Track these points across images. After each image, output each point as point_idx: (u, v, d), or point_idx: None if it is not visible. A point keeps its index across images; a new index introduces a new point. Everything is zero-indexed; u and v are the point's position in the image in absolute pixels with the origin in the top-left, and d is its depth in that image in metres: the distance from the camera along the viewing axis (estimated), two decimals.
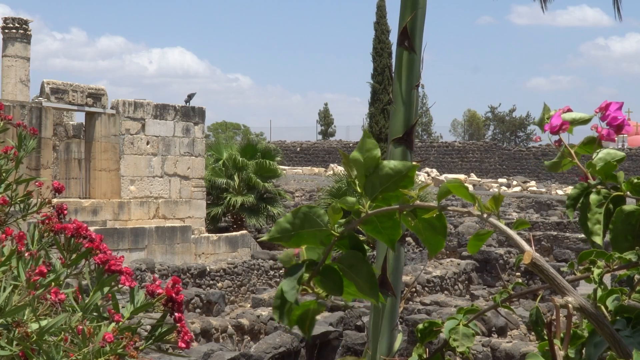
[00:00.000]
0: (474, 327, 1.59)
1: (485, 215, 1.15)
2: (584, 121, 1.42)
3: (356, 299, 1.27)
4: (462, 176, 45.89)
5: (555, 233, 24.57)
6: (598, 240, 1.32)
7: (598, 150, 1.40)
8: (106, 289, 1.49)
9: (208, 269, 18.11)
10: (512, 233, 1.14)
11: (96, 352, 1.35)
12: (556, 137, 1.42)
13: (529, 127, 72.02)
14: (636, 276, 1.45)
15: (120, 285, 1.54)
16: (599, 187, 1.35)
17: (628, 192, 1.34)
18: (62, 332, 1.37)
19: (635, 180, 1.33)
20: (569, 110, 1.45)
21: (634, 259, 1.32)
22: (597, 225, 1.32)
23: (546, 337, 1.58)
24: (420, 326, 1.66)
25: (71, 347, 1.36)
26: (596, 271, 1.39)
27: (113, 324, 1.44)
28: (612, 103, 1.41)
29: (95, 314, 1.47)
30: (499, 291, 1.62)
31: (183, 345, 1.53)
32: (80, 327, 1.38)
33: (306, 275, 1.20)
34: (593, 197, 1.32)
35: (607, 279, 1.49)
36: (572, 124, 1.43)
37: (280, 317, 1.21)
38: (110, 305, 1.51)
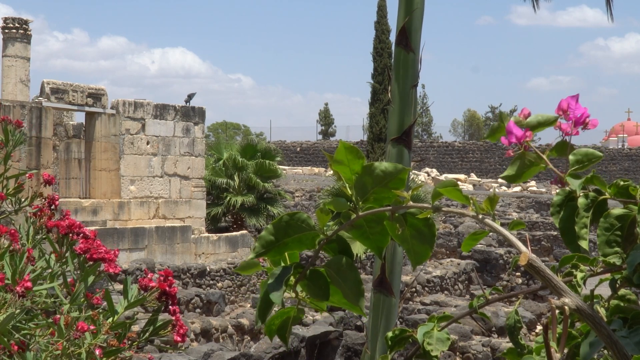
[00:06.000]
0: (447, 334, 1.56)
1: (480, 217, 1.14)
2: (551, 122, 1.38)
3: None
4: (462, 176, 45.82)
5: (556, 233, 24.50)
6: (584, 244, 1.30)
7: (573, 152, 1.36)
8: (91, 278, 1.48)
9: (208, 269, 18.10)
10: (508, 234, 1.14)
11: (73, 342, 1.33)
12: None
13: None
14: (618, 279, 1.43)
15: (109, 276, 1.52)
16: (583, 191, 1.33)
17: (614, 196, 1.32)
18: (50, 327, 1.36)
19: (622, 183, 1.31)
20: (529, 114, 1.40)
21: (618, 263, 1.31)
22: (584, 229, 1.30)
23: (524, 345, 1.58)
24: (390, 334, 1.60)
25: (53, 344, 1.35)
26: (579, 275, 1.38)
27: (109, 320, 1.43)
28: (569, 100, 1.38)
29: (81, 304, 1.46)
30: (477, 296, 1.60)
31: (178, 338, 1.51)
32: (58, 316, 1.37)
33: (292, 279, 1.16)
34: (581, 200, 1.31)
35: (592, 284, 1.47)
36: (538, 127, 1.38)
37: (263, 321, 1.17)
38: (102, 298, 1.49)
